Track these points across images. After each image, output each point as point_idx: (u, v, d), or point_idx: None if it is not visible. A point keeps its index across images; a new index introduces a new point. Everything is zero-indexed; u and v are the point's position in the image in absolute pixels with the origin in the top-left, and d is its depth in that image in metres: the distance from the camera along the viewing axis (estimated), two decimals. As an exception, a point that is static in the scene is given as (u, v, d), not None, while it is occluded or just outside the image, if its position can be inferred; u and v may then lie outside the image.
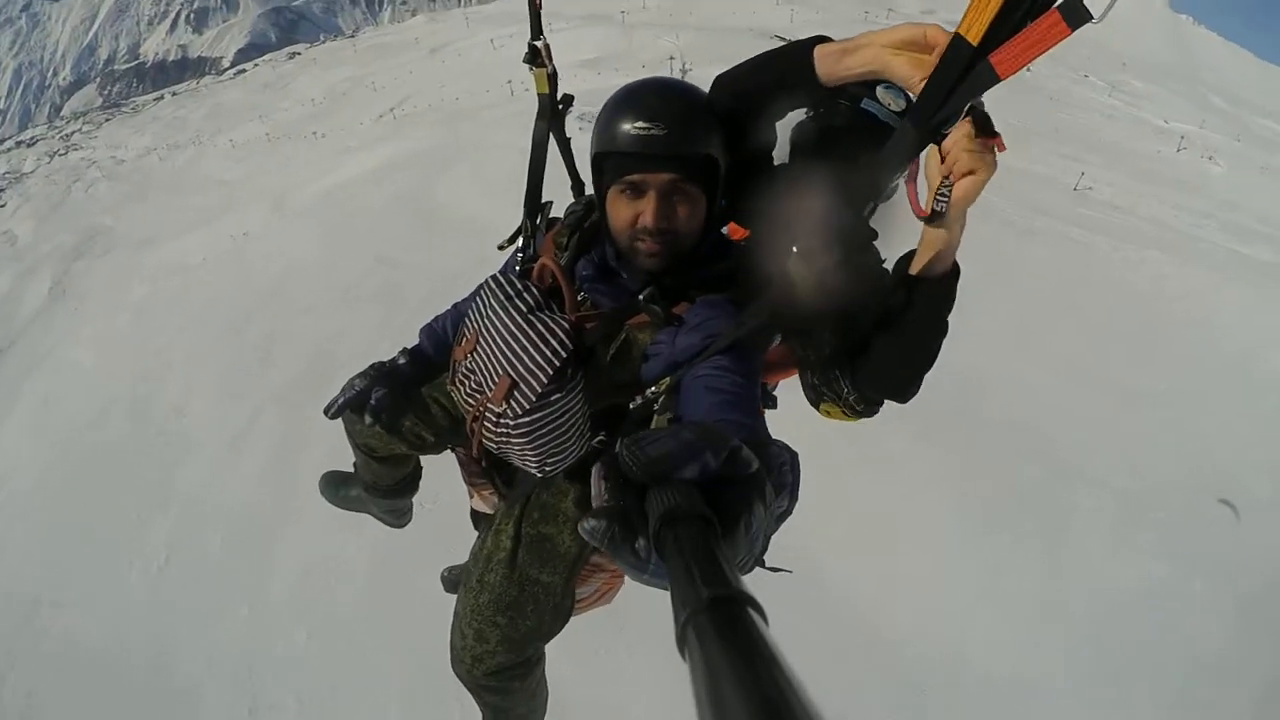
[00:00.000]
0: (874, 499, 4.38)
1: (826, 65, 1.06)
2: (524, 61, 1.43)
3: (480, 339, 1.27)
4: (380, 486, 1.85)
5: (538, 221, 1.47)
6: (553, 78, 1.43)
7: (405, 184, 9.78)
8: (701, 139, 1.17)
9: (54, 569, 4.96)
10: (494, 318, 1.25)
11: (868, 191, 1.01)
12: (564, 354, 1.16)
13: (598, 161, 1.24)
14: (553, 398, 1.18)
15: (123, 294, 9.94)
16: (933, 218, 1.00)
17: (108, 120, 28.05)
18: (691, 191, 1.20)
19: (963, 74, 0.85)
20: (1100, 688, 3.55)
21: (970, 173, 0.93)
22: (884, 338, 1.18)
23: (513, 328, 1.21)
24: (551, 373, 1.16)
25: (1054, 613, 3.83)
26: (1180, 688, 3.50)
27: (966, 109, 0.90)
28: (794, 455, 0.73)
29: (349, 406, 1.50)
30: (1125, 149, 18.43)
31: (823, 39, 1.09)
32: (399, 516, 2.07)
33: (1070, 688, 3.56)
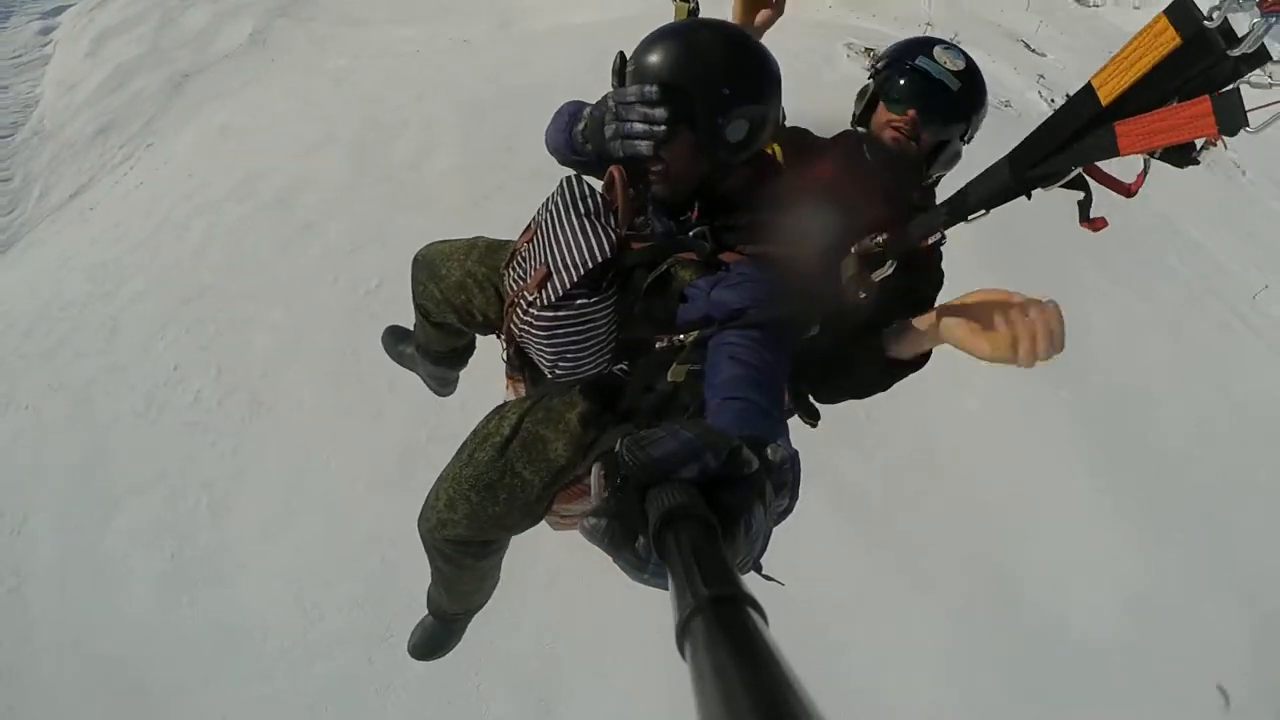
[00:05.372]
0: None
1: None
2: None
3: (538, 230, 1.37)
4: (430, 351, 2.03)
5: None
6: (694, 13, 1.53)
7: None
8: (660, 70, 1.22)
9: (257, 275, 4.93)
10: (554, 213, 1.34)
11: (938, 221, 1.06)
12: (599, 259, 1.24)
13: None
14: (578, 301, 1.26)
15: (322, 60, 9.99)
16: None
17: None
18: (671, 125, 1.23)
19: (1080, 130, 0.79)
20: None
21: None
22: (838, 365, 1.32)
23: (565, 225, 1.30)
24: (583, 272, 1.24)
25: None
26: None
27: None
28: (795, 454, 0.74)
29: None
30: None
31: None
32: (442, 385, 2.24)
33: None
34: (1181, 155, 0.77)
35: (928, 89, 1.56)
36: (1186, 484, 4.51)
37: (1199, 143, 0.77)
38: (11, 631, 3.52)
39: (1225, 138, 0.71)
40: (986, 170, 0.95)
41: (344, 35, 10.42)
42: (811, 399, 1.59)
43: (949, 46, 1.61)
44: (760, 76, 1.28)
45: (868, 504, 3.89)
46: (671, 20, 1.50)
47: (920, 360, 1.24)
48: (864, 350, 1.29)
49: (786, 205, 1.32)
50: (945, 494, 4.02)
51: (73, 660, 3.40)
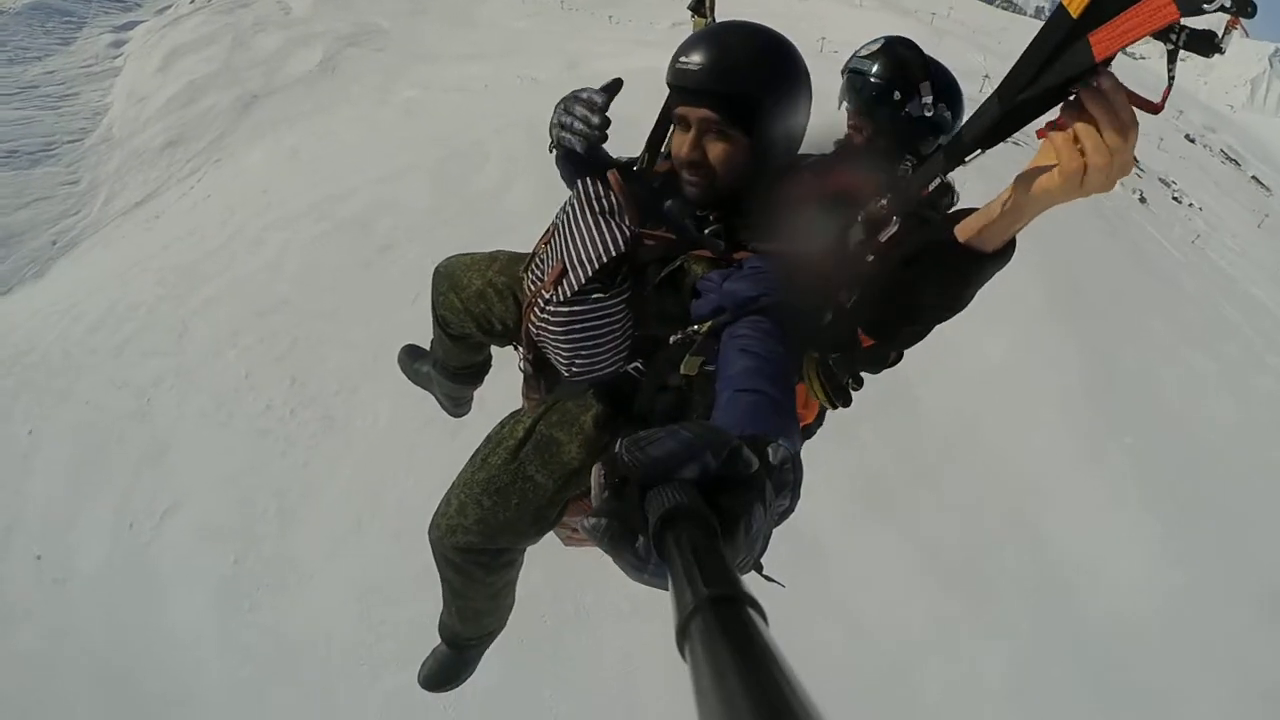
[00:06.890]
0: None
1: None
2: (689, 9, 1.64)
3: (556, 231, 1.41)
4: (447, 366, 2.05)
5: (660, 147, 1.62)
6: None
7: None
8: (740, 78, 1.23)
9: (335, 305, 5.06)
10: (570, 213, 1.38)
11: (937, 167, 1.06)
12: (614, 253, 1.27)
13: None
14: (594, 295, 1.30)
15: (393, 90, 10.39)
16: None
17: (401, -64, 29.95)
18: (727, 131, 1.26)
19: (1057, 49, 0.81)
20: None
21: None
22: (892, 290, 1.21)
23: (581, 223, 1.33)
24: (599, 266, 1.27)
25: None
26: None
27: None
28: (796, 454, 0.75)
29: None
30: None
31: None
32: (457, 405, 2.27)
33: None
34: (1204, 44, 0.76)
35: (854, 83, 1.76)
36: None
37: (1220, 30, 0.77)
38: (48, 623, 3.54)
39: (1243, 20, 0.73)
40: (978, 109, 0.94)
41: (414, 68, 10.84)
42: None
43: (875, 40, 1.79)
44: (807, 86, 1.33)
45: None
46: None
47: (1005, 251, 1.09)
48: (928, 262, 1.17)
49: (795, 203, 1.33)
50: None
51: (108, 661, 3.40)
